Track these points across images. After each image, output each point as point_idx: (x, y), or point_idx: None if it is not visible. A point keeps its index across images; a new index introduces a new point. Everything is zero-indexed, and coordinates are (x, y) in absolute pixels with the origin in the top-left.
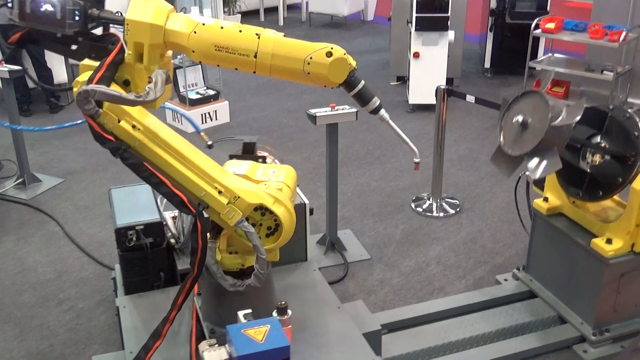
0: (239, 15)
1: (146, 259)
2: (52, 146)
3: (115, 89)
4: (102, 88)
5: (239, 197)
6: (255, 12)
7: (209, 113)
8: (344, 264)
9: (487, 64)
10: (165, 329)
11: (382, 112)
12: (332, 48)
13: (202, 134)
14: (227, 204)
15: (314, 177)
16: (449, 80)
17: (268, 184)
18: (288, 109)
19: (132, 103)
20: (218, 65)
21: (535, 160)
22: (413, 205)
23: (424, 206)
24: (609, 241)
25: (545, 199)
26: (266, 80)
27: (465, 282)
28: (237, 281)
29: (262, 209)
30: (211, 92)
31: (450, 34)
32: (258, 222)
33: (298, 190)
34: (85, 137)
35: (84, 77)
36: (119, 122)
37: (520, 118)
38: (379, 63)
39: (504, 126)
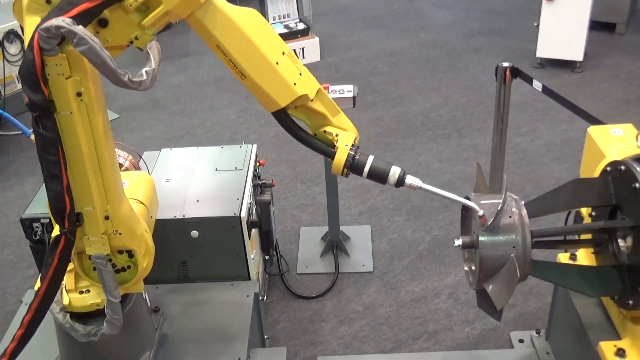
0: None
1: None
2: (130, 74)
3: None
4: (96, 43)
5: (119, 233)
6: None
7: (294, 51)
8: (334, 274)
9: None
10: (10, 347)
11: (410, 179)
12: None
13: None
14: (103, 233)
15: (374, 147)
16: (609, 26)
17: None
18: (392, 50)
19: (122, 84)
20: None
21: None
22: None
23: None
24: (620, 353)
25: (573, 257)
26: (382, 12)
27: (470, 331)
28: (90, 329)
29: (128, 252)
30: (301, 27)
31: None
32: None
33: (237, 198)
34: (161, 66)
35: None
36: (67, 78)
37: (459, 241)
38: None
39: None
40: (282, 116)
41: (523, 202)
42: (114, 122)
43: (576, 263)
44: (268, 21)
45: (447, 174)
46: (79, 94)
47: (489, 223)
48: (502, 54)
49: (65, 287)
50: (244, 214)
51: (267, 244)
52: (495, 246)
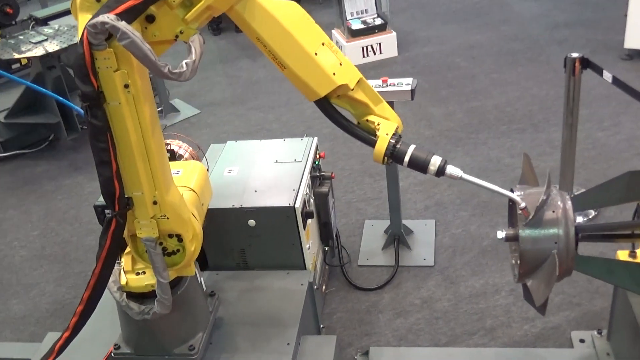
0: None
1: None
2: (214, 71)
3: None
4: (137, 37)
5: (167, 218)
6: None
7: (371, 46)
8: (394, 267)
9: None
10: (72, 321)
11: (450, 169)
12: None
13: None
14: (152, 217)
15: (445, 142)
16: None
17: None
18: (471, 44)
19: (162, 75)
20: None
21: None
22: None
23: None
24: None
25: (632, 254)
26: (464, 5)
27: (529, 328)
28: (144, 308)
29: (177, 236)
30: (379, 22)
31: None
32: (158, 241)
33: (294, 189)
34: (244, 63)
35: None
36: (115, 70)
37: (502, 234)
38: None
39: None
40: (324, 105)
41: (570, 196)
42: (195, 118)
43: (632, 260)
44: (345, 17)
45: (518, 169)
46: (126, 86)
47: (531, 217)
48: (587, 46)
49: (123, 268)
50: (298, 205)
51: (326, 235)
52: (536, 240)
